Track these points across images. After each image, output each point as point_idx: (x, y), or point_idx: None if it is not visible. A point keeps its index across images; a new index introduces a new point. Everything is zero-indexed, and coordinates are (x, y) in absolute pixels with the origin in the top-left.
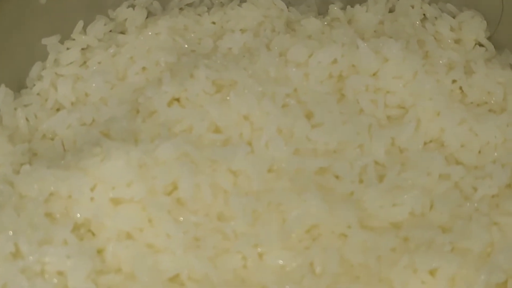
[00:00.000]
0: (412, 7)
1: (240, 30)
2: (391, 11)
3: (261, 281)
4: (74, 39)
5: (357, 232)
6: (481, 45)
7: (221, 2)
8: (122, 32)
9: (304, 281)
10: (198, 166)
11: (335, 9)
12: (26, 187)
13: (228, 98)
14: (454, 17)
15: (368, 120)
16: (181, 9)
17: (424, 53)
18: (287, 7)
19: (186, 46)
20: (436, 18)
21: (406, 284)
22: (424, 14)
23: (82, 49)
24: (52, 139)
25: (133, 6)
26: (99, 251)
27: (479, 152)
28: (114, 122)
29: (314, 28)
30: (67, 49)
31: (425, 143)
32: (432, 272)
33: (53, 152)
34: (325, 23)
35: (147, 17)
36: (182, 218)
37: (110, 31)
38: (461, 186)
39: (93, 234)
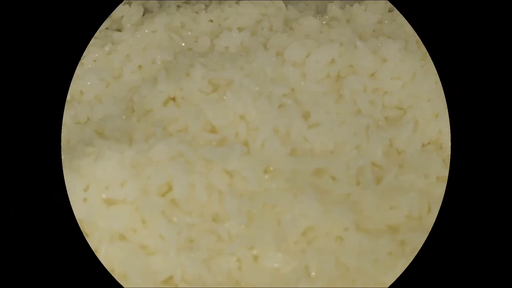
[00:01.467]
0: None
1: (238, 28)
2: (390, 10)
3: (255, 284)
4: None
5: (353, 235)
6: None
7: None
8: (118, 29)
9: (299, 284)
10: (193, 166)
11: (333, 8)
12: None
13: (224, 97)
14: None
15: (366, 121)
16: (178, 6)
17: (423, 54)
18: (285, 6)
19: (183, 44)
20: None
21: None
22: None
23: None
24: None
25: (129, 3)
26: None
27: None
28: (109, 121)
29: (312, 27)
30: None
31: (423, 145)
32: None
33: None
34: (324, 22)
35: (143, 14)
36: (176, 219)
37: (106, 28)
38: None
39: (86, 234)
